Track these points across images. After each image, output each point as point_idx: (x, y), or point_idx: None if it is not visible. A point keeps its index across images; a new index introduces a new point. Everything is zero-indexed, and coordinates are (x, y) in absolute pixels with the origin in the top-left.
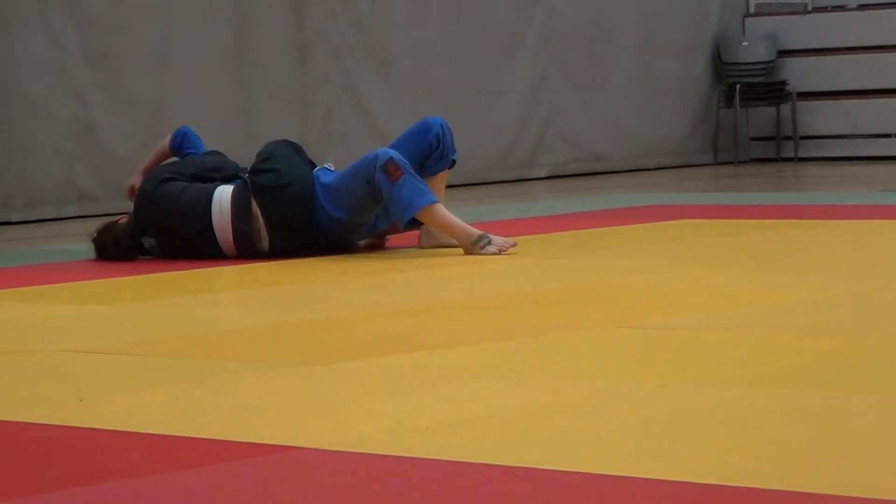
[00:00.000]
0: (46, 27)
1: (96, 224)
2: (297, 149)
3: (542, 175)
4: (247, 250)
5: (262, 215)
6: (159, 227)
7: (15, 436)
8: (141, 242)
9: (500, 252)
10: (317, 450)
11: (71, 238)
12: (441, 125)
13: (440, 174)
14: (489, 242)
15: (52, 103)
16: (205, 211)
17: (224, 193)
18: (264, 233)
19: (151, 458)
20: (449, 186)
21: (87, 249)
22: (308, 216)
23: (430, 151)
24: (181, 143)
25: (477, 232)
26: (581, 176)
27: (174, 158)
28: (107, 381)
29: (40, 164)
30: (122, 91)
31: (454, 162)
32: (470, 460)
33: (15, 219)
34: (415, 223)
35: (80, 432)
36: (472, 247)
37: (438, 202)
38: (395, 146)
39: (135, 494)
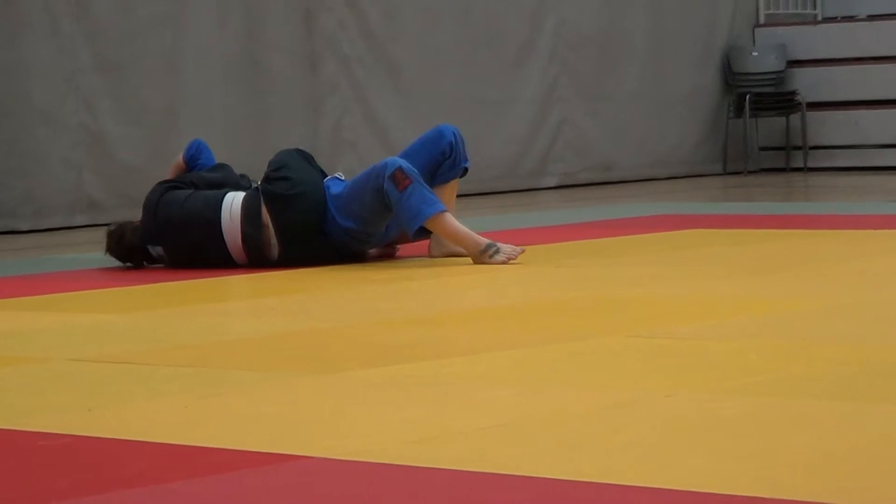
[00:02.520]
0: (56, 36)
1: (106, 231)
2: (308, 158)
3: (552, 184)
4: (256, 257)
5: (273, 224)
6: (167, 235)
7: (24, 444)
8: (148, 250)
9: (508, 260)
10: (326, 459)
11: (80, 247)
12: (454, 133)
13: (451, 182)
14: (497, 251)
15: (61, 112)
16: (214, 216)
17: (235, 200)
18: (274, 241)
19: (161, 467)
20: (459, 195)
21: (96, 258)
22: (319, 225)
23: (443, 159)
24: (194, 155)
25: (485, 241)
26: (591, 185)
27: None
28: (116, 390)
29: (49, 172)
30: (131, 100)
31: (466, 170)
32: (479, 469)
33: (23, 228)
34: (424, 232)
35: (88, 441)
36: (481, 256)
37: (447, 211)
38: (408, 153)
39: None
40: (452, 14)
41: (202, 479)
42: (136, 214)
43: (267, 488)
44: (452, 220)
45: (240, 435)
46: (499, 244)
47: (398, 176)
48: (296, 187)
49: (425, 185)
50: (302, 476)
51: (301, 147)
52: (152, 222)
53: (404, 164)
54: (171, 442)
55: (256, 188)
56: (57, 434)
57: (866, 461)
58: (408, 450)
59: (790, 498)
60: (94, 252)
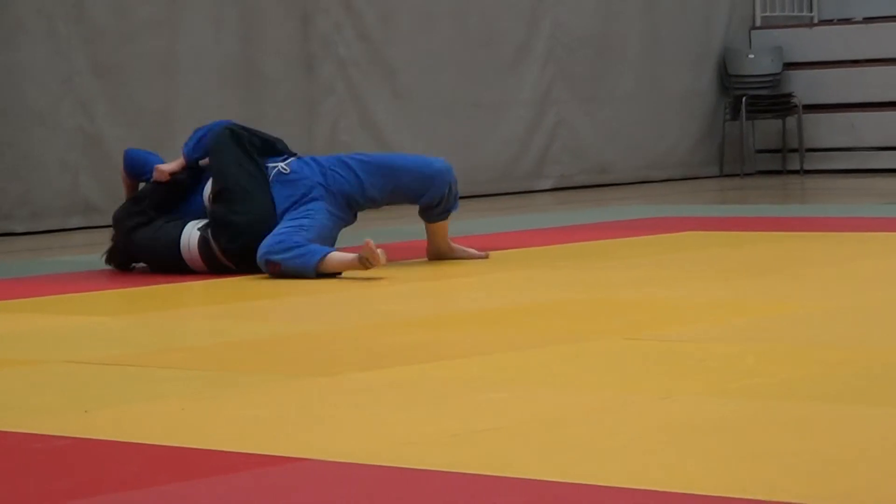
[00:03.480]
0: (52, 38)
1: (103, 234)
2: (239, 141)
3: (548, 187)
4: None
5: (236, 267)
6: (144, 261)
7: (20, 447)
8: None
9: (367, 258)
10: (321, 461)
11: (76, 249)
12: (450, 183)
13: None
14: (363, 258)
15: (57, 114)
16: (177, 255)
17: (191, 240)
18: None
19: (156, 469)
20: None
21: (92, 261)
22: None
23: (433, 205)
24: (136, 172)
25: (354, 256)
26: (587, 188)
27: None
28: (112, 392)
29: (45, 175)
30: (127, 102)
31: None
32: (474, 472)
33: (20, 230)
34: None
35: (85, 443)
36: (362, 268)
37: (321, 257)
38: (395, 170)
39: None
40: (448, 16)
41: (198, 481)
42: None
43: (263, 490)
44: (331, 260)
45: (236, 437)
46: (360, 252)
47: (271, 269)
48: (241, 236)
49: (289, 248)
50: (298, 478)
51: (296, 150)
52: (126, 253)
53: (267, 253)
54: (167, 444)
55: (206, 237)
56: (53, 436)
57: (864, 464)
58: (403, 452)
59: (788, 500)
60: (89, 254)
